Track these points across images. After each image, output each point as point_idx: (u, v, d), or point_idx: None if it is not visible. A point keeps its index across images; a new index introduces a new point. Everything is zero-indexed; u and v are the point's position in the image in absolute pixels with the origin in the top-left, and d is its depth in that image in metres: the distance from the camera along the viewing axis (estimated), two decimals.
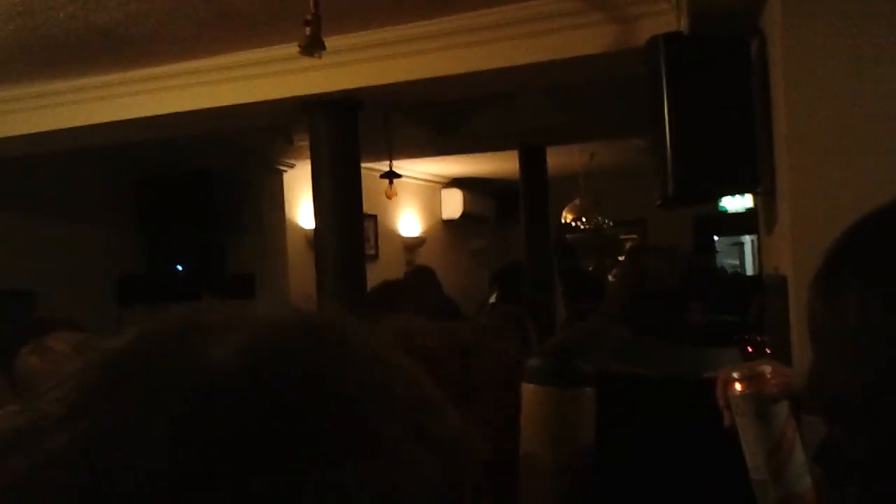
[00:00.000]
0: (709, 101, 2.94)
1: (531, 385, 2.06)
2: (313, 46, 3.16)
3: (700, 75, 2.95)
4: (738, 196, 9.25)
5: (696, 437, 1.81)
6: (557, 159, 7.45)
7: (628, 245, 10.47)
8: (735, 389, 1.29)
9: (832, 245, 1.07)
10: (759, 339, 5.37)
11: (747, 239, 10.59)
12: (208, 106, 4.10)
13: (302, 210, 7.76)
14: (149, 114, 4.19)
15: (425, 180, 9.36)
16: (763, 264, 3.38)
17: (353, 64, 3.81)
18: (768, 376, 1.28)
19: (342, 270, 4.16)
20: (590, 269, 8.38)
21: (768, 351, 4.32)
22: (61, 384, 0.44)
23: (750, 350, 3.75)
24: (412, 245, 9.11)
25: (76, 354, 2.47)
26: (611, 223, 8.45)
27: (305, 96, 4.01)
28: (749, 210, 9.37)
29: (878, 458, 0.89)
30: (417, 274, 5.21)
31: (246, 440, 0.39)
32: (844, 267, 0.99)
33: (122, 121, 4.25)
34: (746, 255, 10.68)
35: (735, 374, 1.30)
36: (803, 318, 2.57)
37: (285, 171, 7.64)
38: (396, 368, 0.48)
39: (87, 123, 4.28)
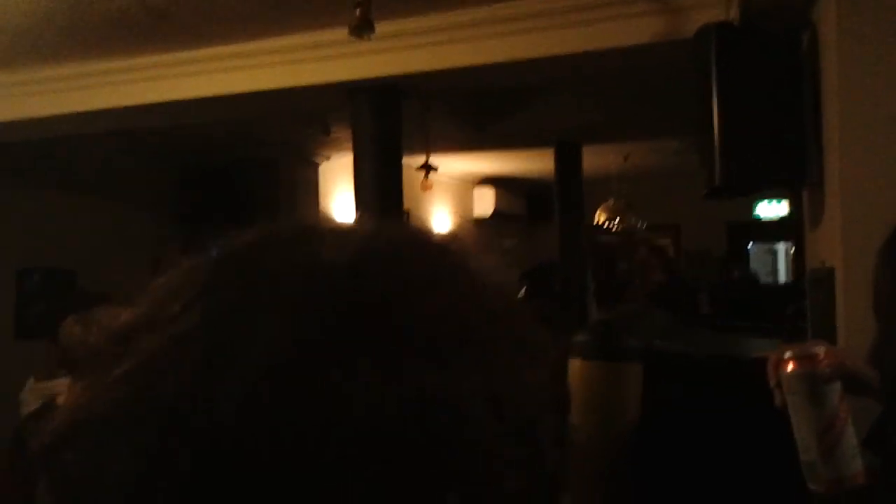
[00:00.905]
0: (758, 92, 2.93)
1: (578, 360, 2.07)
2: (363, 28, 3.19)
3: (750, 66, 2.94)
4: (775, 202, 9.21)
5: (745, 414, 1.81)
6: (591, 159, 7.44)
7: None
8: (787, 369, 1.27)
9: None
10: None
11: (781, 247, 10.50)
12: (255, 89, 4.14)
13: (336, 202, 7.80)
14: (196, 95, 4.23)
15: (458, 178, 9.38)
16: (807, 260, 3.35)
17: (399, 50, 3.83)
18: (822, 356, 1.26)
19: None
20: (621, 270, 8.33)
21: None
22: (185, 273, 0.47)
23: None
24: None
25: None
26: (644, 225, 8.40)
27: (350, 81, 4.04)
28: (783, 218, 9.31)
29: None
30: None
31: (356, 331, 0.41)
32: None
33: (169, 101, 4.30)
34: (780, 262, 10.59)
35: (788, 354, 1.28)
36: (851, 308, 2.54)
37: (321, 163, 7.69)
38: (499, 288, 0.50)
39: (134, 104, 4.34)
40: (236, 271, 0.46)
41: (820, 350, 1.29)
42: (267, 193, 7.31)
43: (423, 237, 0.51)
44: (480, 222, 9.75)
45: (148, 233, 6.80)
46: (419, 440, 0.39)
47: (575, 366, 2.03)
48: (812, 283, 3.00)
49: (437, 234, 0.52)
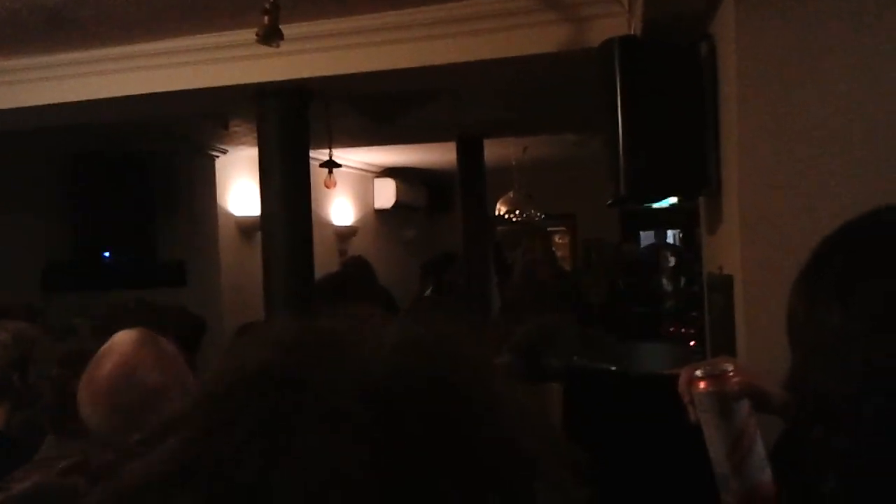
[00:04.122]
0: (660, 105, 3.02)
1: None
2: (272, 36, 3.15)
3: (653, 79, 3.03)
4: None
5: (661, 429, 1.90)
6: (493, 151, 7.53)
7: (557, 238, 10.67)
8: (699, 387, 1.32)
9: (813, 252, 1.14)
10: (683, 330, 5.58)
11: (670, 234, 10.89)
12: (158, 90, 4.03)
13: (233, 196, 7.67)
14: (96, 96, 4.08)
15: (358, 169, 9.34)
16: (704, 262, 3.50)
17: (307, 53, 3.80)
18: (730, 374, 1.31)
19: (290, 260, 4.15)
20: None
21: (692, 344, 4.50)
22: (211, 405, 0.44)
23: (693, 344, 3.89)
24: (345, 234, 9.08)
25: (15, 345, 2.43)
26: (542, 216, 8.59)
27: (257, 84, 3.98)
28: (672, 206, 9.64)
29: (861, 454, 0.94)
30: (357, 266, 5.26)
31: (438, 467, 0.40)
32: (826, 273, 1.05)
33: (66, 103, 4.13)
34: None
35: (698, 373, 1.33)
36: (751, 316, 2.65)
37: (218, 157, 7.53)
38: (521, 398, 0.50)
39: (30, 104, 4.16)
40: (292, 396, 0.42)
41: (728, 368, 1.34)
42: (164, 187, 7.12)
43: (459, 355, 0.49)
44: (382, 213, 9.75)
45: (38, 235, 6.51)
46: None
47: None
48: (710, 286, 3.14)
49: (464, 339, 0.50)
